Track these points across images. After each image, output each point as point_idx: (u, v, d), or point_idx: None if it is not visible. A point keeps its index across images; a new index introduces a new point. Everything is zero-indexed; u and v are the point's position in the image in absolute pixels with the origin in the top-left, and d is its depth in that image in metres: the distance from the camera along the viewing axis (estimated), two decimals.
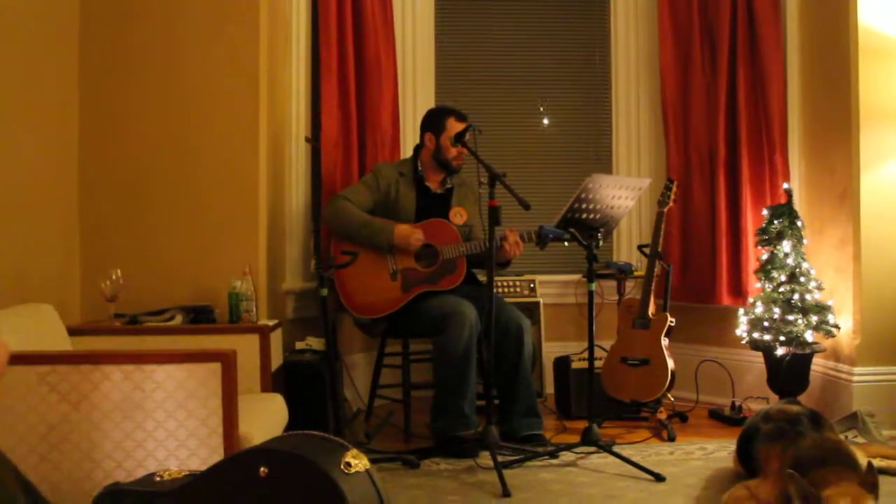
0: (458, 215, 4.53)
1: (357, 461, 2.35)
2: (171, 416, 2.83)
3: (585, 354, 4.16)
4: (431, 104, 5.38)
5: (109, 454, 2.80)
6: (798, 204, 4.80)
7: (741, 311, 4.78)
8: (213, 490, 2.37)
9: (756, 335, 4.60)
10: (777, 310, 4.51)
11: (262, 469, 2.28)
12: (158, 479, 2.49)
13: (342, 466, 2.31)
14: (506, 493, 3.42)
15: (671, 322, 4.53)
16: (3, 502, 2.01)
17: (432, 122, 4.58)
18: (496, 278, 4.50)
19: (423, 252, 4.40)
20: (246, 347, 3.60)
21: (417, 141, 4.66)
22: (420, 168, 4.60)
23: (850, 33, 4.43)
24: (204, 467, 2.51)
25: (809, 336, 4.47)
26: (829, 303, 4.51)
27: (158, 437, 2.82)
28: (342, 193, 4.53)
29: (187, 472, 2.51)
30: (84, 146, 4.19)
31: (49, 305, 3.40)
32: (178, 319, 3.90)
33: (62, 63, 4.10)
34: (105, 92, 4.21)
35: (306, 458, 2.27)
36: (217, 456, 2.79)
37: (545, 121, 5.85)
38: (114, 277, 3.83)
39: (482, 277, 4.51)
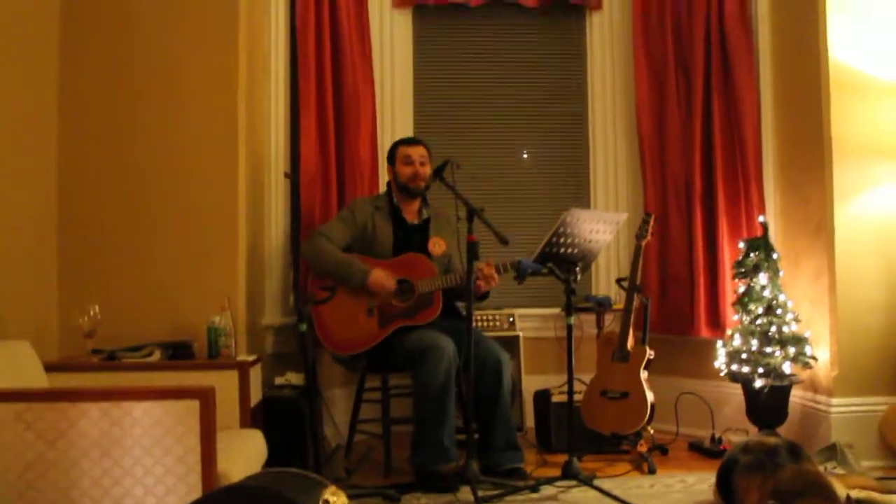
0: (436, 245, 4.55)
1: (335, 498, 2.34)
2: (148, 454, 2.81)
3: (565, 388, 4.16)
4: None
5: (87, 492, 2.78)
6: (774, 236, 4.85)
7: (719, 343, 4.81)
8: None
9: (734, 367, 4.62)
10: (755, 342, 4.54)
11: None
12: None
13: None
14: None
15: (650, 355, 4.54)
16: None
17: (389, 155, 4.73)
18: (475, 312, 4.51)
19: (399, 287, 4.40)
20: (225, 383, 3.58)
21: None
22: (395, 201, 4.64)
23: (821, 68, 4.50)
24: None
25: (787, 368, 4.50)
26: (807, 334, 4.54)
27: (136, 474, 2.80)
28: (320, 230, 4.54)
29: None
30: (62, 180, 4.18)
31: (25, 342, 3.37)
32: (157, 355, 3.88)
33: (39, 93, 4.10)
34: (83, 126, 4.20)
35: (284, 495, 2.26)
36: (195, 493, 2.77)
37: (524, 155, 5.89)
38: (91, 313, 3.82)
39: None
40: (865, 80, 4.47)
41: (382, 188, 5.15)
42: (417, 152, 4.61)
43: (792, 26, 4.91)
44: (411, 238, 4.59)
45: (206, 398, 2.85)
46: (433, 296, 4.38)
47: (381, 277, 4.36)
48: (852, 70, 4.47)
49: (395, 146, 4.72)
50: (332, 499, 2.33)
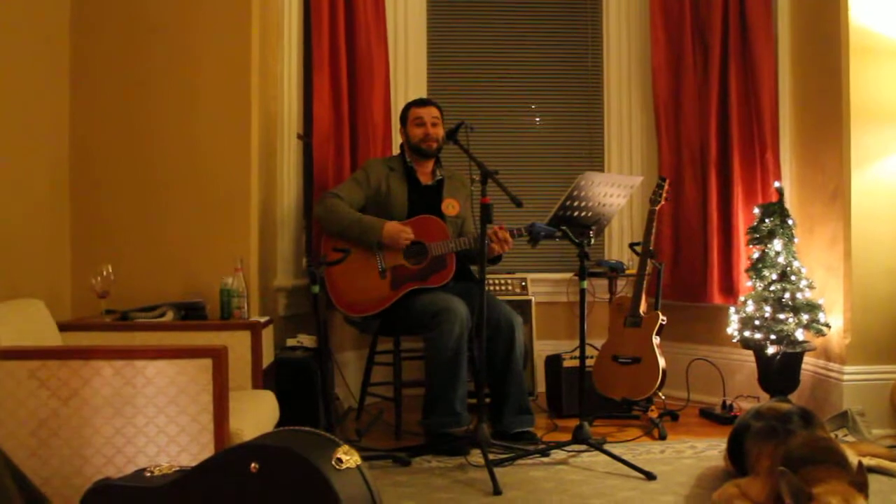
0: (450, 207, 4.54)
1: (348, 457, 2.35)
2: (161, 412, 2.82)
3: (577, 353, 4.16)
4: None
5: (99, 450, 2.79)
6: (789, 202, 4.82)
7: (732, 309, 4.79)
8: (203, 485, 2.36)
9: (747, 334, 4.60)
10: (768, 308, 4.52)
11: (252, 464, 2.27)
12: (149, 474, 2.48)
13: (333, 462, 2.30)
14: (497, 492, 3.42)
15: (662, 320, 4.53)
16: None
17: (401, 117, 4.71)
18: (488, 275, 4.50)
19: (411, 249, 4.39)
20: (237, 344, 3.60)
21: None
22: (409, 161, 4.62)
23: (841, 32, 4.43)
24: (194, 463, 2.50)
25: (800, 335, 4.48)
26: (820, 301, 4.52)
27: (149, 432, 2.82)
28: (333, 191, 4.52)
29: (178, 468, 2.50)
30: (74, 143, 4.17)
31: (39, 301, 3.39)
32: (170, 316, 3.88)
33: (53, 55, 4.08)
34: (96, 87, 4.18)
35: (297, 453, 2.27)
36: (208, 452, 2.79)
37: (537, 119, 5.86)
38: (104, 274, 3.83)
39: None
40: (887, 44, 4.40)
41: (396, 150, 5.13)
42: (429, 113, 4.58)
43: None
44: (425, 199, 4.57)
45: (218, 357, 2.85)
46: (446, 258, 4.37)
47: (396, 229, 4.35)
48: (873, 34, 4.40)
49: (407, 108, 4.69)
50: (345, 457, 2.34)
